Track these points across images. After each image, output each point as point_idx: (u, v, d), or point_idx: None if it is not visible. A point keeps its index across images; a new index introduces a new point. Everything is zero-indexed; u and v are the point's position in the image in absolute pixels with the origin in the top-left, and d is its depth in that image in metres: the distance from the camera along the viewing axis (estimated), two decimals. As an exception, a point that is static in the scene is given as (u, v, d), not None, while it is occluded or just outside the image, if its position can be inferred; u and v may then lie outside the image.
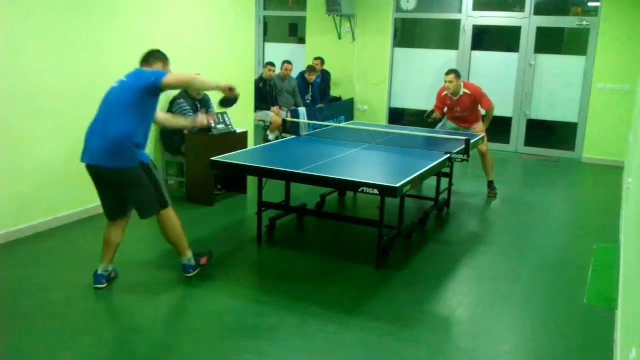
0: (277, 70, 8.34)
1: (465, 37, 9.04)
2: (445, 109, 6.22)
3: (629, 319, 2.78)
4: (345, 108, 9.44)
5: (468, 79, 8.32)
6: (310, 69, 8.96)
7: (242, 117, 6.59)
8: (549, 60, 8.72)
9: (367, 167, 4.53)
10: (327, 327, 3.29)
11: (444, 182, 5.68)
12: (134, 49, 3.98)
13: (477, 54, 9.09)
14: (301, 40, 10.57)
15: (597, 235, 5.07)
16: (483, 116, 6.22)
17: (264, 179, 4.48)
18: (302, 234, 5.07)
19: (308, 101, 8.89)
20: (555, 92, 8.70)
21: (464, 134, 5.60)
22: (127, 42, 5.12)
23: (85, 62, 4.75)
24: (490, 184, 6.29)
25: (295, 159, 4.58)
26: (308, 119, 7.83)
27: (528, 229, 5.35)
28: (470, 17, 8.96)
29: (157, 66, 3.58)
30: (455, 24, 9.17)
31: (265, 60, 9.03)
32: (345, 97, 9.77)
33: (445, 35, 10.01)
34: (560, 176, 7.59)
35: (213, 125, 5.36)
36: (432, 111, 6.13)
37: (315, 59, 9.28)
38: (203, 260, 3.93)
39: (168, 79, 3.42)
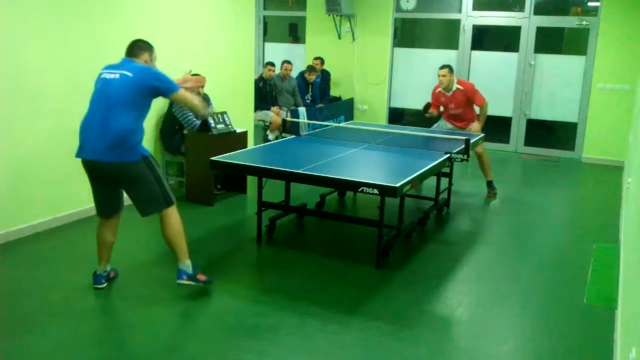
0: (277, 70, 8.34)
1: (465, 37, 9.04)
2: (442, 109, 6.24)
3: (629, 319, 2.78)
4: (345, 108, 9.43)
5: (468, 79, 8.31)
6: (310, 69, 8.96)
7: (242, 117, 6.60)
8: (549, 60, 8.72)
9: (367, 167, 4.53)
10: (327, 327, 3.29)
11: (444, 182, 5.68)
12: (134, 49, 3.97)
13: (477, 54, 9.10)
14: (301, 40, 10.57)
15: (597, 235, 5.07)
16: (478, 115, 6.23)
17: (264, 179, 4.48)
18: (302, 234, 5.07)
19: (308, 101, 8.89)
20: (555, 92, 8.70)
21: (464, 134, 5.60)
22: (127, 42, 5.04)
23: (85, 62, 4.75)
24: (489, 184, 6.29)
25: (295, 159, 4.58)
26: (308, 119, 7.82)
27: (528, 229, 5.35)
28: (470, 17, 8.97)
29: (145, 57, 3.55)
30: (455, 24, 9.17)
31: (265, 60, 9.04)
32: (345, 97, 9.78)
33: (445, 35, 10.00)
34: (560, 176, 7.59)
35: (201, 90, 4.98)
36: (428, 104, 6.13)
37: (315, 59, 9.29)
38: (201, 277, 3.61)
39: (181, 97, 3.47)
